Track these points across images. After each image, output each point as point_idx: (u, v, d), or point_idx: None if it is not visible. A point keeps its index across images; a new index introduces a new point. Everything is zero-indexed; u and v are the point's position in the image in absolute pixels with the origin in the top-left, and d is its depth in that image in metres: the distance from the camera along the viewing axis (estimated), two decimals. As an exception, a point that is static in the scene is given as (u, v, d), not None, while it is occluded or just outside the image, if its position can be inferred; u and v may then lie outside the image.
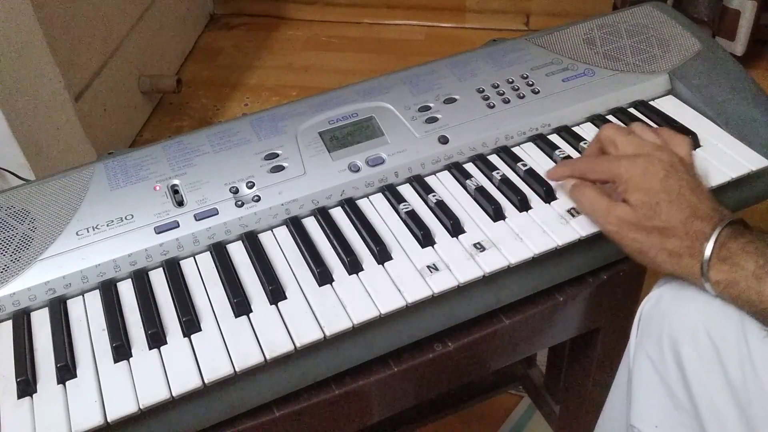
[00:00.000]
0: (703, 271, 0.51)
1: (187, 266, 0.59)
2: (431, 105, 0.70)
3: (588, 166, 0.60)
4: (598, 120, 0.71)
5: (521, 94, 0.71)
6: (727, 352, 0.51)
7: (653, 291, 0.58)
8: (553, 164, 0.67)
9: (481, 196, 0.63)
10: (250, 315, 0.55)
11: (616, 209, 0.55)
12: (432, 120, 0.69)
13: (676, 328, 0.54)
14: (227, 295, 0.56)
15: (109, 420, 0.49)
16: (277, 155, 0.65)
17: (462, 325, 0.58)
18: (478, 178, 0.65)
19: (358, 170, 0.65)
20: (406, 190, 0.65)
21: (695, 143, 0.67)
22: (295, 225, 0.62)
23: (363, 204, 0.64)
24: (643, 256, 0.55)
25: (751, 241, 0.50)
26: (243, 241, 0.61)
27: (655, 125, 0.70)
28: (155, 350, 0.53)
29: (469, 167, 0.67)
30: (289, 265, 0.59)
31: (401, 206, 0.62)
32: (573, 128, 0.71)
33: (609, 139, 0.60)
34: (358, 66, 1.90)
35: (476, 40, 0.98)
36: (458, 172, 0.66)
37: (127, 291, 0.58)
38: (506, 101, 0.71)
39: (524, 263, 0.58)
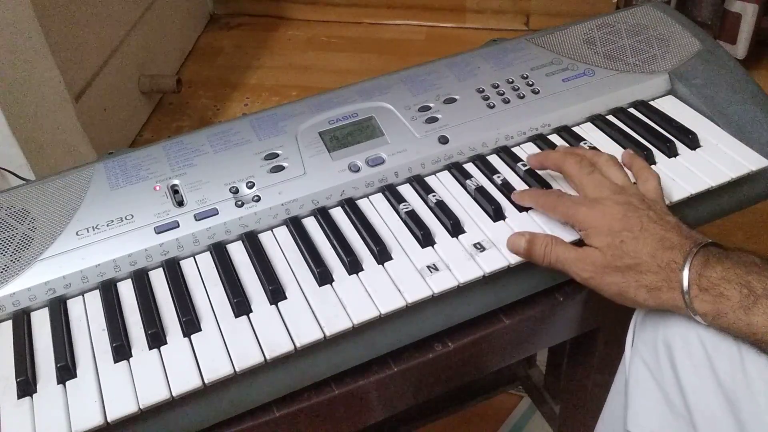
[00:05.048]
0: (686, 303, 0.50)
1: (187, 266, 0.59)
2: (431, 105, 0.70)
3: (548, 205, 0.59)
4: (598, 120, 0.71)
5: (521, 94, 0.71)
6: (719, 359, 0.50)
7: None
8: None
9: (481, 196, 0.63)
10: (250, 315, 0.55)
11: (586, 255, 0.55)
12: (432, 120, 0.69)
13: (670, 334, 0.54)
14: (227, 295, 0.56)
15: (109, 420, 0.49)
16: (277, 155, 0.65)
17: (462, 325, 0.58)
18: (478, 178, 0.65)
19: (358, 170, 0.65)
20: (406, 190, 0.65)
21: (695, 143, 0.67)
22: (295, 225, 0.62)
23: (363, 204, 0.64)
24: (624, 297, 0.54)
25: (731, 267, 0.49)
26: (243, 241, 0.61)
27: (654, 125, 0.70)
28: (155, 350, 0.53)
29: (469, 167, 0.67)
30: (289, 265, 0.59)
31: (401, 206, 0.62)
32: (573, 128, 0.71)
33: (570, 174, 0.61)
34: (358, 66, 1.90)
35: (476, 40, 0.98)
36: (458, 172, 0.66)
37: (127, 291, 0.58)
38: (506, 101, 0.71)
39: (524, 263, 0.58)
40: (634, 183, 0.60)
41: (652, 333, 0.55)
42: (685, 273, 0.50)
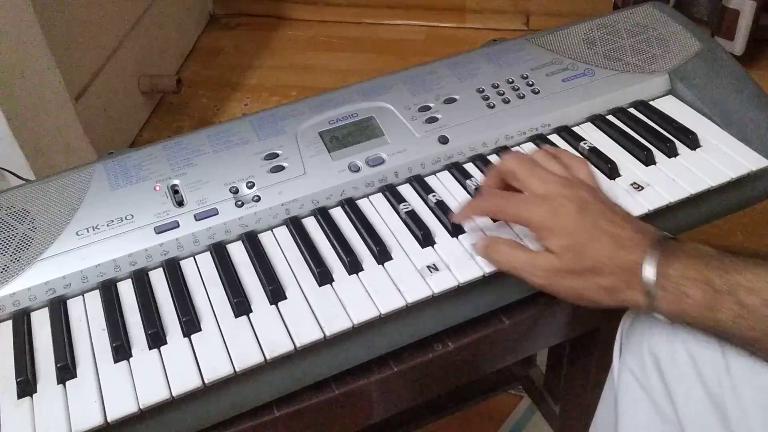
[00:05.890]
0: (649, 303, 0.49)
1: (187, 266, 0.59)
2: (431, 105, 0.70)
3: (494, 207, 0.57)
4: (598, 120, 0.71)
5: (521, 94, 0.71)
6: (705, 366, 0.50)
7: (631, 308, 0.57)
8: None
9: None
10: (250, 315, 0.55)
11: (538, 260, 0.52)
12: (432, 120, 0.69)
13: (655, 344, 0.53)
14: (227, 295, 0.56)
15: (109, 420, 0.49)
16: (277, 155, 0.65)
17: (462, 325, 0.58)
18: (479, 178, 0.65)
19: (358, 170, 0.65)
20: (406, 190, 0.65)
21: (695, 143, 0.67)
22: (295, 225, 0.62)
23: (363, 204, 0.64)
24: (583, 300, 0.52)
25: (690, 264, 0.48)
26: (243, 241, 0.61)
27: (655, 125, 0.70)
28: (155, 350, 0.53)
29: (469, 167, 0.67)
30: (289, 265, 0.59)
31: (401, 206, 0.62)
32: (573, 128, 0.71)
33: (510, 173, 0.57)
34: (358, 66, 1.90)
35: (476, 40, 0.98)
36: (458, 172, 0.66)
37: (127, 291, 0.58)
38: (506, 101, 0.71)
39: (524, 263, 0.58)
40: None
41: (637, 343, 0.55)
42: (646, 272, 0.48)
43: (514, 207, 0.55)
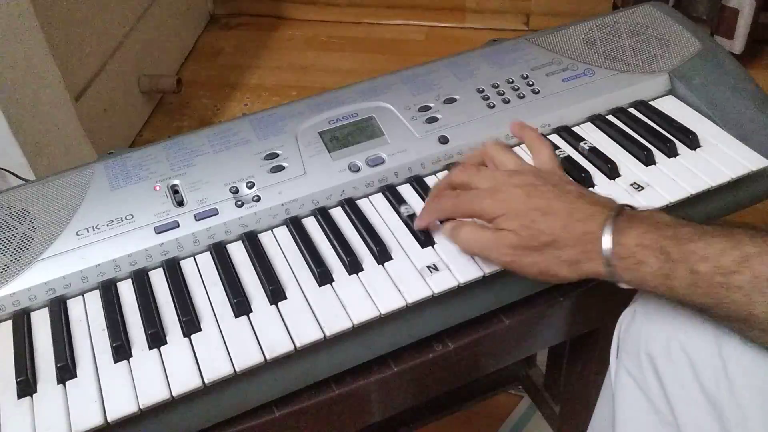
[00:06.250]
0: (610, 273, 0.50)
1: (187, 266, 0.59)
2: (431, 105, 0.70)
3: (449, 206, 0.58)
4: (598, 120, 0.71)
5: (521, 94, 0.71)
6: (702, 366, 0.50)
7: (627, 308, 0.57)
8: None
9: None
10: (250, 315, 0.55)
11: (502, 239, 0.53)
12: (432, 120, 0.69)
13: (651, 344, 0.53)
14: (227, 295, 0.56)
15: (109, 420, 0.49)
16: (277, 155, 0.65)
17: (462, 325, 0.58)
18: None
19: (358, 170, 0.65)
20: (406, 190, 0.65)
21: (695, 144, 0.67)
22: (295, 225, 0.62)
23: (363, 204, 0.64)
24: (546, 275, 0.53)
25: (645, 231, 0.48)
26: (243, 241, 0.61)
27: (655, 125, 0.70)
28: (155, 350, 0.53)
29: (469, 167, 0.67)
30: (289, 265, 0.59)
31: (401, 207, 0.62)
32: (573, 128, 0.71)
33: (462, 184, 0.58)
34: (358, 66, 1.90)
35: (476, 40, 0.98)
36: (458, 172, 0.66)
37: (127, 291, 0.58)
38: (506, 101, 0.71)
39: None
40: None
41: (634, 343, 0.55)
42: (604, 242, 0.49)
43: (466, 202, 0.56)
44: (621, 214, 0.50)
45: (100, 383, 0.51)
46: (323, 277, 0.57)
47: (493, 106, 0.70)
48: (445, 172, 0.67)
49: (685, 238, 0.47)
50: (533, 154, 0.61)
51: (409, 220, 0.61)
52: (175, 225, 0.60)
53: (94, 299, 0.57)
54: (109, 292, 0.57)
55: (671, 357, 0.52)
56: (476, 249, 0.56)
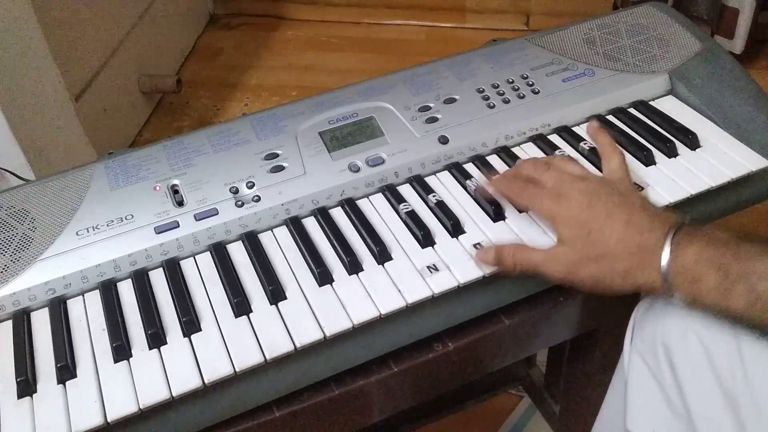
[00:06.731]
0: (664, 286, 0.50)
1: (187, 266, 0.59)
2: (431, 105, 0.70)
3: (515, 191, 0.60)
4: (598, 120, 0.71)
5: (521, 94, 0.71)
6: (719, 358, 0.50)
7: (646, 296, 0.58)
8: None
9: (481, 196, 0.63)
10: (250, 315, 0.55)
11: (554, 254, 0.54)
12: (432, 120, 0.69)
13: (668, 333, 0.53)
14: (227, 295, 0.56)
15: (109, 420, 0.49)
16: (277, 155, 0.65)
17: (462, 325, 0.58)
18: (479, 178, 0.65)
19: (358, 170, 0.65)
20: (406, 190, 0.65)
21: (695, 144, 0.67)
22: (295, 225, 0.62)
23: (363, 204, 0.64)
24: (601, 286, 0.53)
25: (704, 248, 0.48)
26: (243, 241, 0.61)
27: (655, 125, 0.70)
28: (155, 350, 0.53)
29: (469, 167, 0.67)
30: (289, 265, 0.59)
31: (401, 206, 0.62)
32: (573, 128, 0.71)
33: (528, 177, 0.60)
34: (358, 66, 1.90)
35: (476, 40, 0.98)
36: (458, 172, 0.66)
37: (127, 291, 0.58)
38: (506, 101, 0.71)
39: (524, 263, 0.58)
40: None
41: (650, 332, 0.55)
42: (662, 256, 0.49)
43: (529, 197, 0.58)
44: (681, 229, 0.50)
45: (100, 383, 0.51)
46: (323, 277, 0.56)
47: (493, 106, 0.70)
48: (445, 172, 0.67)
49: (745, 256, 0.47)
50: (603, 160, 0.62)
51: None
52: (175, 225, 0.60)
53: (94, 299, 0.57)
54: (109, 292, 0.57)
55: (687, 346, 0.52)
56: (527, 267, 0.56)
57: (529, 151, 0.68)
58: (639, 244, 0.51)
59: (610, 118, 0.72)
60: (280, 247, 0.60)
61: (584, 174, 0.59)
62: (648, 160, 0.65)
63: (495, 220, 0.61)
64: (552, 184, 0.57)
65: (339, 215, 0.63)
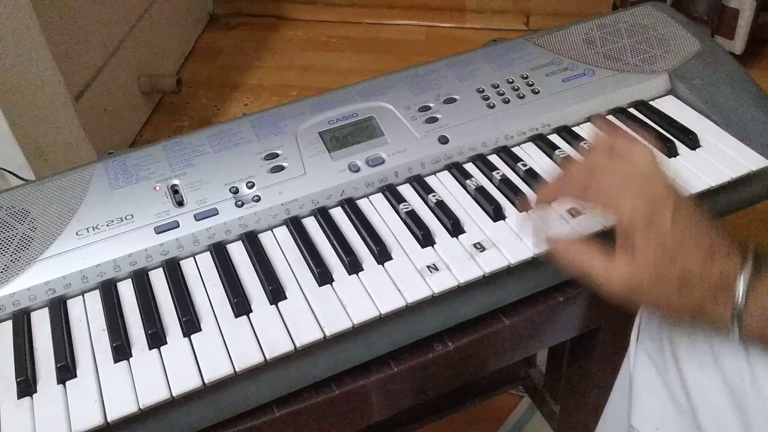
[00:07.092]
0: (734, 318, 0.44)
1: (187, 266, 0.59)
2: (431, 105, 0.70)
3: (578, 193, 0.51)
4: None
5: (521, 94, 0.71)
6: (726, 357, 0.50)
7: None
8: (552, 164, 0.67)
9: (481, 196, 0.63)
10: (250, 315, 0.55)
11: (617, 269, 0.46)
12: (432, 120, 0.69)
13: (675, 331, 0.53)
14: (227, 295, 0.56)
15: (109, 420, 0.49)
16: (277, 155, 0.65)
17: (462, 325, 0.58)
18: (478, 178, 0.65)
19: (358, 170, 0.65)
20: (406, 190, 0.65)
21: (695, 143, 0.67)
22: (295, 225, 0.62)
23: (363, 204, 0.64)
24: (660, 311, 0.48)
25: None
26: (243, 241, 0.61)
27: (655, 125, 0.70)
28: (155, 350, 0.53)
29: (469, 167, 0.67)
30: (289, 265, 0.59)
31: (401, 206, 0.62)
32: (573, 128, 0.71)
33: (597, 169, 0.49)
34: (358, 66, 1.90)
35: (476, 40, 0.98)
36: (458, 172, 0.66)
37: (127, 291, 0.58)
38: (506, 101, 0.71)
39: (524, 263, 0.58)
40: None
41: (657, 329, 0.55)
42: (737, 289, 0.42)
43: (604, 196, 0.48)
44: (756, 257, 0.43)
45: (100, 383, 0.51)
46: (323, 277, 0.57)
47: (493, 106, 0.70)
48: (445, 172, 0.67)
49: None
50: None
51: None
52: (175, 225, 0.60)
53: (94, 299, 0.57)
54: (109, 292, 0.57)
55: (695, 346, 0.51)
56: (581, 271, 0.49)
57: (529, 151, 0.68)
58: (720, 273, 0.43)
59: (611, 118, 0.72)
60: (280, 246, 0.60)
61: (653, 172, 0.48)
62: (648, 160, 0.65)
63: (495, 220, 0.61)
64: (619, 182, 0.47)
65: (339, 215, 0.63)
